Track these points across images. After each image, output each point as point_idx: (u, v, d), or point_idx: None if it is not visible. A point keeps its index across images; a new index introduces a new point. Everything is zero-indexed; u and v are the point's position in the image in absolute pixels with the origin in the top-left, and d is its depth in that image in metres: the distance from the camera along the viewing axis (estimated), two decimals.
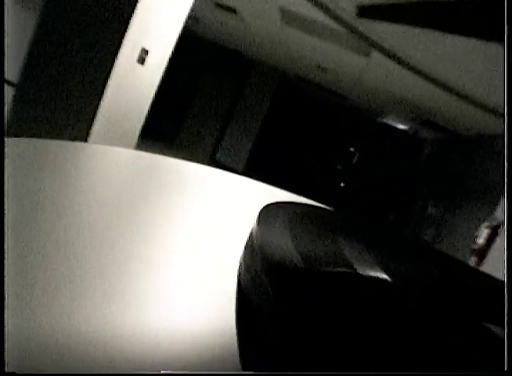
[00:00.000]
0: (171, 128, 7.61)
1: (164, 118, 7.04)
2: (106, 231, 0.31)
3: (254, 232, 0.22)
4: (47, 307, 0.20)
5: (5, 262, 0.21)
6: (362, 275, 0.23)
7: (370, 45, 3.67)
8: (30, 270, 0.22)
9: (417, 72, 3.94)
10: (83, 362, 0.17)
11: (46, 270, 0.23)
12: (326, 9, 3.28)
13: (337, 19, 3.39)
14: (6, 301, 0.19)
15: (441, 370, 0.20)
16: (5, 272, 0.20)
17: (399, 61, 3.82)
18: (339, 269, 0.22)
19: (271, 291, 0.19)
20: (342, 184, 8.36)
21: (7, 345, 0.16)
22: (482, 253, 3.16)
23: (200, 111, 7.75)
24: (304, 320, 0.20)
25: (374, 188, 7.98)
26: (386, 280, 0.23)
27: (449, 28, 2.73)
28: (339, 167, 8.40)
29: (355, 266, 0.24)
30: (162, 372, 0.19)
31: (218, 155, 7.80)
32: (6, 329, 0.17)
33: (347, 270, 0.22)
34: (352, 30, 3.47)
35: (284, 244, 0.22)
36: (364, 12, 2.95)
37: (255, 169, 7.96)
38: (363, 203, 7.82)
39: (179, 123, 7.74)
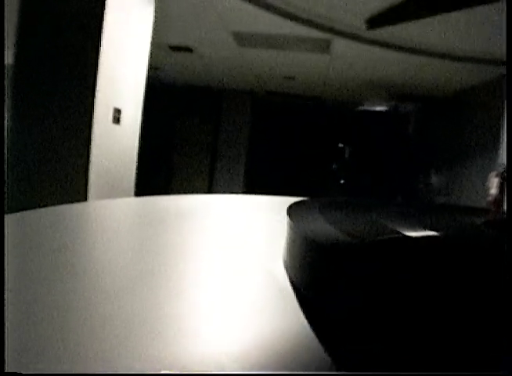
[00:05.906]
0: (162, 176, 7.66)
1: (153, 170, 7.12)
2: (128, 279, 0.30)
3: (290, 226, 0.21)
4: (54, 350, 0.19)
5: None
6: (412, 237, 0.22)
7: (331, 33, 3.70)
8: (38, 322, 0.21)
9: (383, 45, 3.96)
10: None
11: (57, 322, 0.22)
12: (277, 10, 3.34)
13: (292, 18, 3.44)
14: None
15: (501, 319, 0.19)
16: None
17: (364, 40, 3.85)
18: (389, 236, 0.21)
19: (327, 272, 0.19)
20: (342, 181, 8.35)
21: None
22: (498, 202, 3.15)
23: (186, 153, 7.82)
24: (366, 291, 0.19)
25: (373, 176, 7.98)
26: (437, 236, 0.22)
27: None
28: (334, 166, 8.41)
29: (402, 231, 0.23)
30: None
31: (213, 189, 7.83)
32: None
33: (397, 235, 0.21)
34: (309, 24, 3.52)
35: (325, 228, 0.22)
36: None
37: (253, 193, 7.95)
38: (367, 193, 7.80)
39: (169, 170, 7.79)
